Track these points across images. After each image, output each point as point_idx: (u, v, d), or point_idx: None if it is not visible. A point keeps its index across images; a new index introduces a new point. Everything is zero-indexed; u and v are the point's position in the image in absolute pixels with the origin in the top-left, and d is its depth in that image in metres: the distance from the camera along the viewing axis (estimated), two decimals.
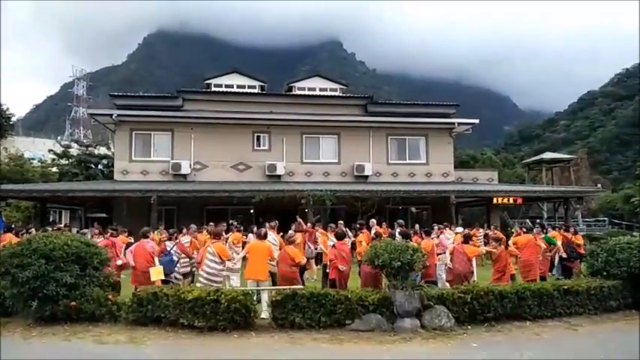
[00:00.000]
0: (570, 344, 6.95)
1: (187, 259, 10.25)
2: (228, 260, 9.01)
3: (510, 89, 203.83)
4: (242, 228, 12.81)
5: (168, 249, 9.79)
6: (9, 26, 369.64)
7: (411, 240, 9.27)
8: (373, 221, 14.80)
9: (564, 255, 12.24)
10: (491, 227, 18.11)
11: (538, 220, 28.82)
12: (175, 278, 9.67)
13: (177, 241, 10.23)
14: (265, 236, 9.31)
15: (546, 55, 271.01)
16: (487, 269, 12.59)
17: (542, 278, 10.48)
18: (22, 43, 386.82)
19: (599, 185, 26.98)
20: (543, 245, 11.09)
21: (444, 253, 11.20)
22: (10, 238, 11.42)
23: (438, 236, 12.03)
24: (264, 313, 7.92)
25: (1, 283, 7.85)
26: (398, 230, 11.78)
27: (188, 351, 6.49)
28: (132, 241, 11.87)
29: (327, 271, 10.13)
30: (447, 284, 10.00)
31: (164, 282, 9.38)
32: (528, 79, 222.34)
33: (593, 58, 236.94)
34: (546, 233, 12.80)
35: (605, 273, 9.07)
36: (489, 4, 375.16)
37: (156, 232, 13.87)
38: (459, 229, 13.77)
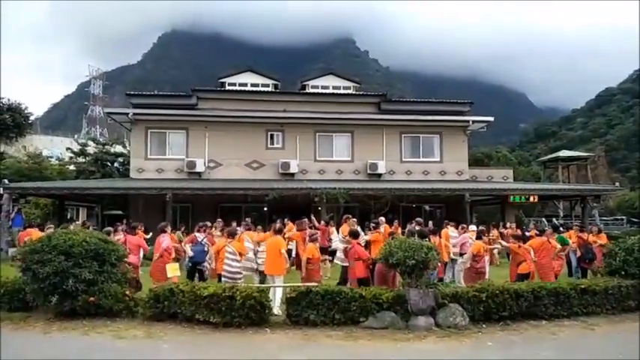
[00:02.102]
0: (587, 344, 6.87)
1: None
2: (243, 256, 9.14)
3: (526, 86, 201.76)
4: (250, 228, 12.88)
5: (200, 239, 10.01)
6: (26, 27, 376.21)
7: (428, 240, 9.20)
8: (382, 219, 14.71)
9: (578, 253, 12.09)
10: (508, 226, 17.97)
11: (553, 219, 28.48)
12: (205, 268, 9.91)
13: (208, 233, 10.51)
14: (280, 231, 9.39)
15: (563, 51, 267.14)
16: (501, 268, 12.50)
17: (555, 277, 10.37)
18: (39, 43, 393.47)
19: (617, 183, 26.52)
20: (558, 246, 10.99)
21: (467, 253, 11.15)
22: (32, 233, 11.77)
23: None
24: (276, 309, 7.99)
25: (22, 278, 8.04)
26: (411, 227, 11.72)
27: (204, 346, 6.57)
28: (147, 237, 12.16)
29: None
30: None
31: (198, 271, 9.64)
32: (544, 76, 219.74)
33: (611, 55, 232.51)
34: (560, 234, 12.60)
35: (623, 272, 8.94)
36: (504, 1, 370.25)
37: (177, 232, 14.10)
38: (472, 227, 13.68)
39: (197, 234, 10.44)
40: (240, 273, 8.86)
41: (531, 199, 21.54)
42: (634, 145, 69.26)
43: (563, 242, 11.69)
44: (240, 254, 8.92)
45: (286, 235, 11.35)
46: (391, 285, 8.42)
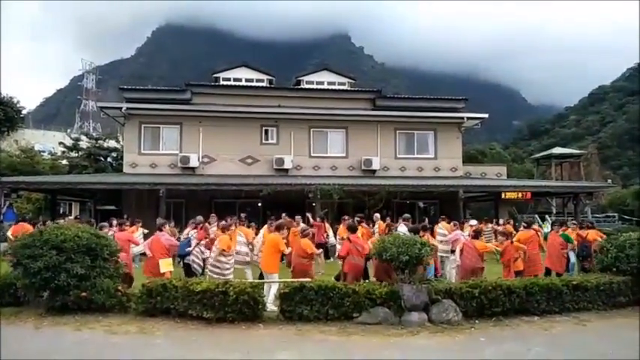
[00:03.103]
0: (579, 340, 6.92)
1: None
2: (228, 252, 9.09)
3: (520, 84, 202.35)
4: (243, 223, 12.93)
5: (189, 235, 10.00)
6: (19, 21, 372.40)
7: (419, 235, 9.21)
8: (377, 215, 14.70)
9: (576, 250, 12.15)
10: (502, 222, 18.02)
11: (546, 217, 28.62)
12: (193, 262, 9.92)
13: (201, 228, 10.52)
14: (277, 228, 9.35)
15: (557, 49, 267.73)
16: (495, 264, 12.54)
17: (559, 275, 10.42)
18: (32, 37, 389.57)
19: (609, 181, 26.81)
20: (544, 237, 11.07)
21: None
22: (23, 227, 11.66)
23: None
24: (269, 305, 7.98)
25: (13, 273, 7.97)
26: (403, 224, 11.71)
27: (197, 342, 6.55)
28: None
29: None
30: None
31: (185, 265, 9.62)
32: (539, 73, 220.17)
33: (605, 53, 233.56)
34: (565, 231, 12.60)
35: (614, 269, 9.00)
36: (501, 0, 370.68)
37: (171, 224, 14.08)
38: (473, 222, 13.69)
39: (191, 232, 10.41)
40: (221, 268, 8.91)
41: (523, 195, 21.64)
42: (626, 143, 69.90)
43: (567, 240, 11.74)
44: (225, 247, 8.94)
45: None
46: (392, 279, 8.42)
